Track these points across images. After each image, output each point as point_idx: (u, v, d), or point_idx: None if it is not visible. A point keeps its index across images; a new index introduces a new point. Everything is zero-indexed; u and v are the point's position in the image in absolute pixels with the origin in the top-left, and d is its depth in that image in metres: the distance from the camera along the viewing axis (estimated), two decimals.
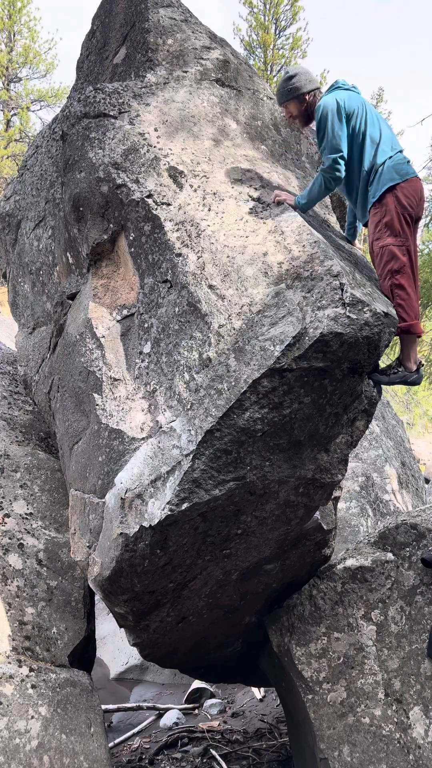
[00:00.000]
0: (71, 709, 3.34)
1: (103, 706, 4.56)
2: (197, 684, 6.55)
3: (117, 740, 5.62)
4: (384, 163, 3.15)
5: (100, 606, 6.13)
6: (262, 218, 3.11)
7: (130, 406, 3.18)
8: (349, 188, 3.33)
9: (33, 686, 3.28)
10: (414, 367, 3.15)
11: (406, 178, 3.14)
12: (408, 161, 3.21)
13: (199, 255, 3.04)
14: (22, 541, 3.79)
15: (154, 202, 3.25)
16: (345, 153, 3.07)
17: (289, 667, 3.58)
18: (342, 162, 3.06)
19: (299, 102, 3.33)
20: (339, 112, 3.11)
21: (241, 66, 4.18)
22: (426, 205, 9.35)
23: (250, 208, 3.18)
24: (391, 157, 3.17)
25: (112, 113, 3.62)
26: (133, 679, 7.34)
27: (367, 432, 5.25)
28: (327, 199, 3.90)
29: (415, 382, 3.15)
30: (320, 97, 3.27)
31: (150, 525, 2.83)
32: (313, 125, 3.30)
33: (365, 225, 3.44)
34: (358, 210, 3.39)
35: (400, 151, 3.22)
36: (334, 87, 3.32)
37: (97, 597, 3.57)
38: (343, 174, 3.08)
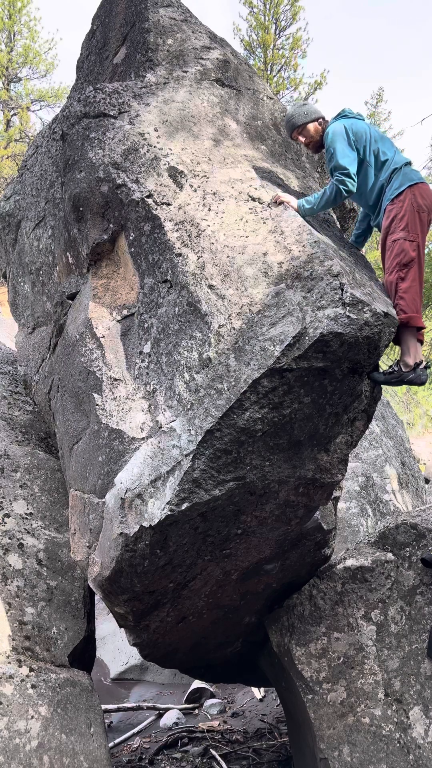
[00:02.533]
0: (71, 709, 3.34)
1: (103, 706, 4.56)
2: (197, 684, 6.55)
3: (117, 740, 5.62)
4: (406, 164, 3.33)
5: (100, 606, 6.13)
6: (262, 218, 3.11)
7: (130, 406, 3.18)
8: (366, 194, 3.43)
9: (33, 686, 3.28)
10: (412, 364, 3.12)
11: (423, 182, 3.30)
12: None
13: (199, 255, 3.04)
14: (22, 541, 3.79)
15: (154, 202, 3.25)
16: (352, 170, 3.18)
17: (289, 667, 3.58)
18: (350, 178, 3.16)
19: (302, 131, 3.51)
20: (346, 134, 3.27)
21: (241, 66, 4.18)
22: None
23: (250, 208, 3.18)
24: (409, 164, 3.35)
25: (112, 113, 3.62)
26: (133, 679, 7.34)
27: (367, 432, 5.25)
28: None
29: (414, 381, 3.10)
30: (327, 125, 3.44)
31: (150, 525, 2.83)
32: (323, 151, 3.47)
33: (377, 226, 3.53)
34: (371, 210, 3.50)
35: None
36: (341, 115, 3.47)
37: (97, 597, 3.57)
38: (352, 189, 3.18)
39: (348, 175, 3.14)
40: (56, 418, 4.13)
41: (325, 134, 3.36)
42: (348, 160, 3.19)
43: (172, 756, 5.07)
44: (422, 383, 3.22)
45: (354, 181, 3.16)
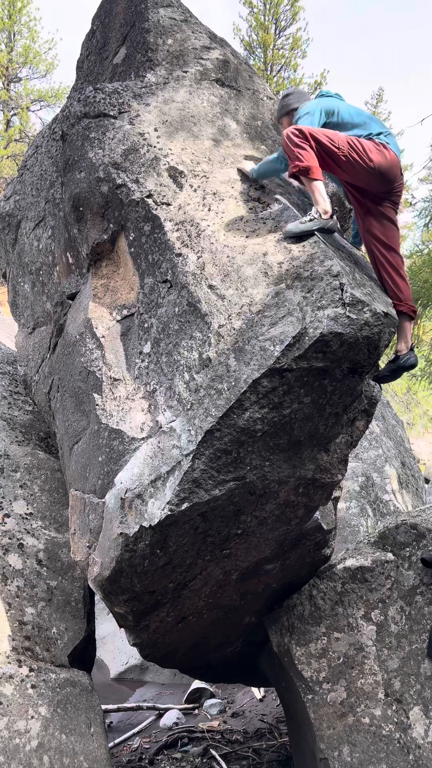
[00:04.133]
0: (71, 709, 3.34)
1: (103, 706, 4.56)
2: (197, 684, 6.55)
3: (117, 740, 5.62)
4: (381, 134, 3.26)
5: (100, 606, 6.13)
6: (262, 218, 3.11)
7: (130, 406, 3.18)
8: None
9: (33, 686, 3.28)
10: (330, 211, 3.02)
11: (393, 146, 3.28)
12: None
13: (199, 255, 3.04)
14: (22, 541, 3.79)
15: (154, 202, 3.26)
16: (315, 122, 3.17)
17: (289, 667, 3.58)
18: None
19: (290, 117, 3.46)
20: (316, 109, 3.24)
21: (241, 66, 4.18)
22: (426, 205, 9.35)
23: (250, 208, 3.18)
24: (385, 134, 3.27)
25: (112, 113, 3.62)
26: (133, 679, 7.34)
27: (367, 432, 5.25)
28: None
29: (334, 228, 3.00)
30: None
31: (150, 525, 2.83)
32: None
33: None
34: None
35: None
36: (318, 95, 3.47)
37: (97, 597, 3.56)
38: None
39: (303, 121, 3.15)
40: (56, 418, 4.13)
41: (297, 111, 3.33)
42: (309, 117, 3.18)
43: (172, 756, 5.07)
44: (413, 366, 3.23)
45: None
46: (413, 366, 3.35)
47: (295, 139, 3.03)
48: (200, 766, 4.79)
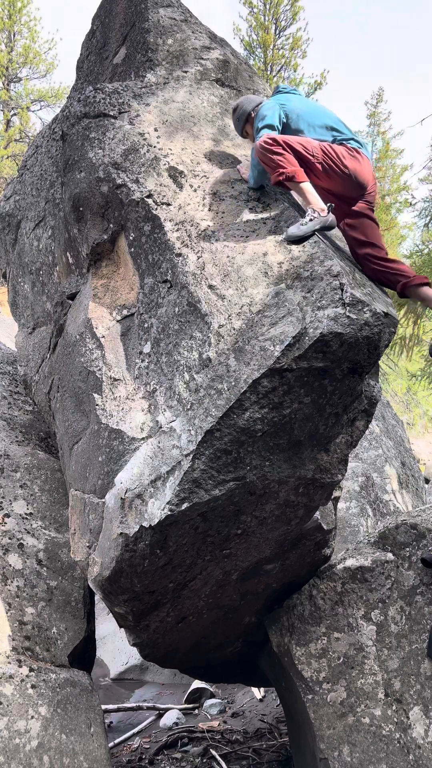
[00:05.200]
0: (71, 709, 3.34)
1: (103, 706, 4.56)
2: (197, 684, 6.55)
3: (117, 740, 5.62)
4: (352, 139, 3.26)
5: (100, 606, 6.13)
6: (262, 218, 3.11)
7: (130, 406, 3.18)
8: None
9: (33, 686, 3.28)
10: (325, 208, 2.98)
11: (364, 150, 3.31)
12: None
13: (199, 255, 3.04)
14: (22, 541, 3.79)
15: (154, 202, 3.26)
16: (270, 123, 3.17)
17: (289, 667, 3.58)
18: (266, 130, 3.15)
19: (251, 124, 3.43)
20: (275, 106, 3.24)
21: (241, 66, 4.18)
22: (426, 205, 9.35)
23: (250, 208, 3.18)
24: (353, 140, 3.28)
25: (112, 113, 3.62)
26: (133, 679, 7.34)
27: (367, 432, 5.25)
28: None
29: (333, 225, 2.96)
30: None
31: (150, 525, 2.83)
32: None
33: None
34: None
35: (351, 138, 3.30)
36: (275, 91, 3.46)
37: (97, 597, 3.56)
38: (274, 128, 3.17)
39: (270, 127, 3.14)
40: (56, 418, 4.13)
41: (256, 117, 3.31)
42: (268, 120, 3.17)
43: (172, 756, 5.07)
44: (333, 227, 3.11)
45: (273, 128, 3.15)
46: None
47: (271, 149, 3.02)
48: (200, 766, 4.79)
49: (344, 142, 3.21)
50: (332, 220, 2.93)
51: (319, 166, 3.10)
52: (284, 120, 3.24)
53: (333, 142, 3.21)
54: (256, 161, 3.17)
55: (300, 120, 3.24)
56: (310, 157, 3.07)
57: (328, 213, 2.93)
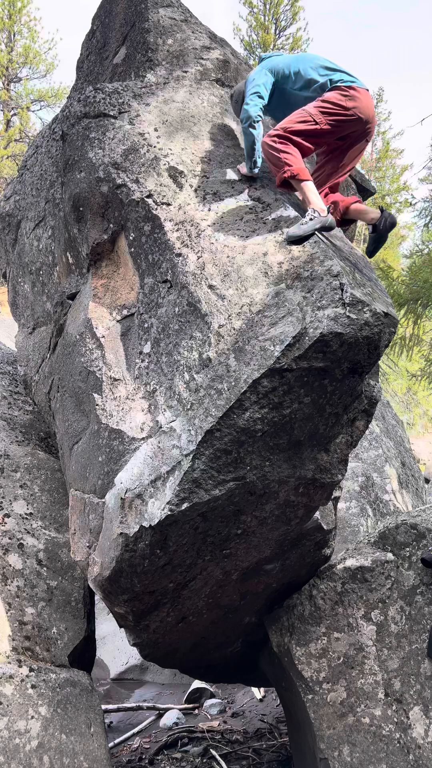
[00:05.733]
0: (71, 709, 3.34)
1: (103, 706, 4.56)
2: (197, 684, 6.55)
3: (117, 740, 5.61)
4: (342, 80, 3.27)
5: (100, 606, 6.13)
6: (262, 218, 3.11)
7: (130, 406, 3.18)
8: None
9: (33, 686, 3.28)
10: (325, 208, 3.02)
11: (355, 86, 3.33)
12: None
13: (199, 255, 3.04)
14: (22, 541, 3.79)
15: (154, 202, 3.26)
16: (260, 92, 3.24)
17: (289, 667, 3.58)
18: (256, 100, 3.23)
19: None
20: (260, 73, 3.31)
21: (241, 66, 4.18)
22: (426, 205, 9.35)
23: (250, 208, 3.18)
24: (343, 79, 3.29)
25: (112, 113, 3.62)
26: (133, 679, 7.33)
27: (367, 432, 5.25)
28: None
29: (333, 225, 2.98)
30: None
31: (150, 525, 2.83)
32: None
33: None
34: None
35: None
36: (259, 60, 3.51)
37: (97, 597, 3.56)
38: (257, 109, 3.23)
39: (253, 98, 3.21)
40: (56, 418, 4.13)
41: (246, 80, 3.40)
42: (254, 87, 3.23)
43: (172, 756, 5.07)
44: (394, 224, 3.28)
45: (259, 101, 3.23)
46: (394, 224, 3.38)
47: (277, 146, 3.06)
48: (200, 766, 4.79)
49: (337, 84, 3.19)
50: (332, 221, 2.94)
51: (327, 127, 3.11)
52: (274, 78, 3.29)
53: (324, 88, 3.21)
54: (248, 142, 3.21)
55: (292, 67, 3.31)
56: (315, 127, 3.09)
57: (328, 213, 2.95)
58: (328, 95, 3.15)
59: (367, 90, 3.23)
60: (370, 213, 3.43)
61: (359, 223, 3.88)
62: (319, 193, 3.22)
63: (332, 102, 3.13)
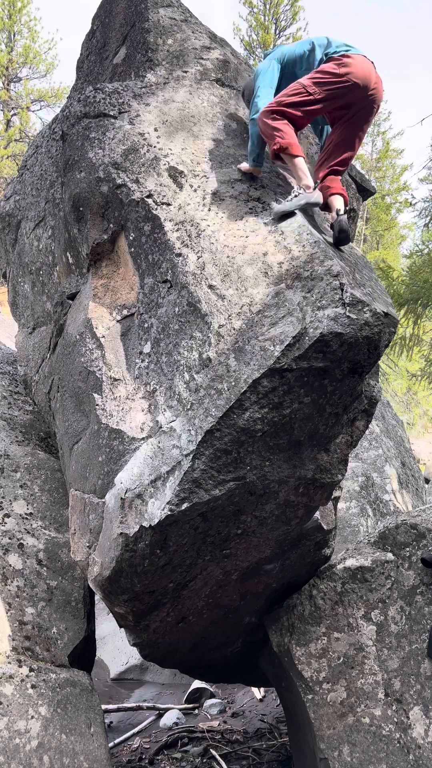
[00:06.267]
0: (71, 709, 3.34)
1: (103, 706, 4.56)
2: (197, 684, 6.55)
3: (117, 740, 5.62)
4: (334, 51, 3.29)
5: (100, 606, 6.13)
6: (262, 218, 3.11)
7: (130, 406, 3.18)
8: None
9: (33, 686, 3.28)
10: (312, 185, 3.05)
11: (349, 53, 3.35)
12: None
13: (199, 255, 3.04)
14: (22, 541, 3.79)
15: (154, 202, 3.26)
16: (271, 85, 3.32)
17: (289, 667, 3.58)
18: (266, 91, 3.31)
19: None
20: (267, 65, 3.37)
21: (241, 66, 4.18)
22: (426, 205, 9.35)
23: (250, 208, 3.18)
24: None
25: (112, 113, 3.62)
26: (133, 679, 7.33)
27: (367, 432, 5.25)
28: None
29: (319, 201, 3.01)
30: None
31: (150, 525, 2.83)
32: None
33: None
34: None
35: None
36: (264, 56, 3.58)
37: (97, 597, 3.56)
38: (261, 102, 3.28)
39: (262, 91, 3.29)
40: (56, 418, 4.13)
41: (255, 73, 3.46)
42: (261, 95, 3.28)
43: (172, 756, 5.07)
44: (318, 204, 3.16)
45: (269, 91, 3.30)
46: (343, 230, 3.15)
47: (270, 122, 3.10)
48: (200, 766, 4.79)
49: (331, 55, 3.21)
50: (317, 197, 2.99)
51: (321, 96, 3.12)
52: (280, 65, 3.36)
53: (321, 62, 3.25)
54: (254, 134, 3.25)
55: (297, 50, 3.38)
56: (310, 97, 3.11)
57: (314, 190, 3.01)
58: (322, 66, 3.19)
59: (364, 56, 3.20)
60: (330, 213, 3.34)
61: (358, 222, 3.87)
62: (324, 168, 3.29)
63: (325, 71, 3.14)
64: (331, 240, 3.06)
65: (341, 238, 3.02)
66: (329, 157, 3.33)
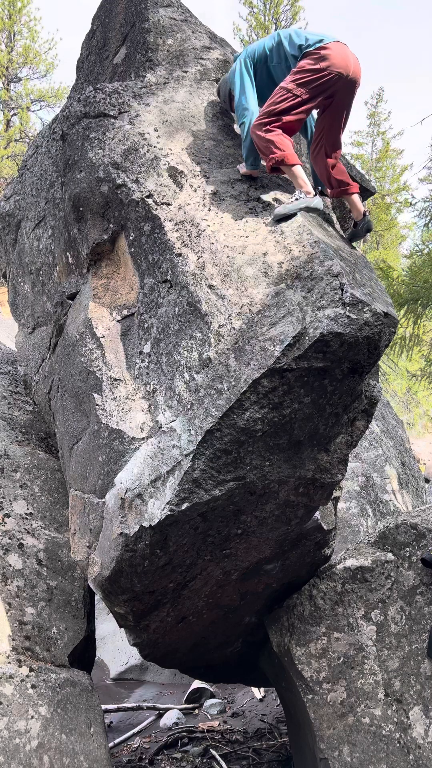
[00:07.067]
0: (71, 709, 3.35)
1: (103, 706, 4.56)
2: (197, 684, 6.55)
3: (117, 740, 5.61)
4: (309, 45, 3.26)
5: (100, 606, 6.13)
6: (262, 218, 3.11)
7: (130, 406, 3.18)
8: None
9: (33, 686, 3.28)
10: (312, 192, 3.09)
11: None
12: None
13: (199, 255, 3.04)
14: (22, 541, 3.79)
15: (154, 202, 3.26)
16: (251, 107, 3.29)
17: (289, 667, 3.58)
18: (251, 113, 3.30)
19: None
20: (244, 66, 3.37)
21: None
22: (426, 205, 9.35)
23: (250, 208, 3.18)
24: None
25: (112, 113, 3.62)
26: (133, 679, 7.33)
27: (367, 432, 5.25)
28: (327, 200, 3.91)
29: (318, 207, 3.05)
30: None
31: (150, 525, 2.83)
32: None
33: None
34: None
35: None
36: (235, 58, 3.56)
37: (97, 597, 3.57)
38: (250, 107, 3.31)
39: (250, 112, 3.27)
40: (56, 418, 4.13)
41: (229, 76, 3.47)
42: (247, 97, 3.29)
43: (172, 756, 5.07)
44: (370, 229, 3.40)
45: (252, 95, 3.32)
46: (370, 229, 3.50)
47: (263, 134, 3.10)
48: (200, 766, 4.79)
49: (305, 50, 3.19)
50: (318, 202, 3.02)
51: (308, 95, 3.12)
52: (252, 63, 3.37)
53: (296, 58, 3.23)
54: (248, 142, 3.26)
55: (266, 44, 3.37)
56: (295, 98, 3.12)
57: (315, 195, 3.04)
58: (300, 64, 3.16)
59: (338, 41, 3.18)
60: (356, 211, 3.50)
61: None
62: (321, 154, 3.35)
63: (305, 70, 3.13)
64: (345, 235, 3.26)
65: (363, 235, 3.30)
66: (324, 142, 3.37)
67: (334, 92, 3.19)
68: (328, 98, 3.22)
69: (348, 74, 3.13)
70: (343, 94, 3.21)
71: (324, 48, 3.12)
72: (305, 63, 3.14)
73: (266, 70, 3.39)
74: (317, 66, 3.10)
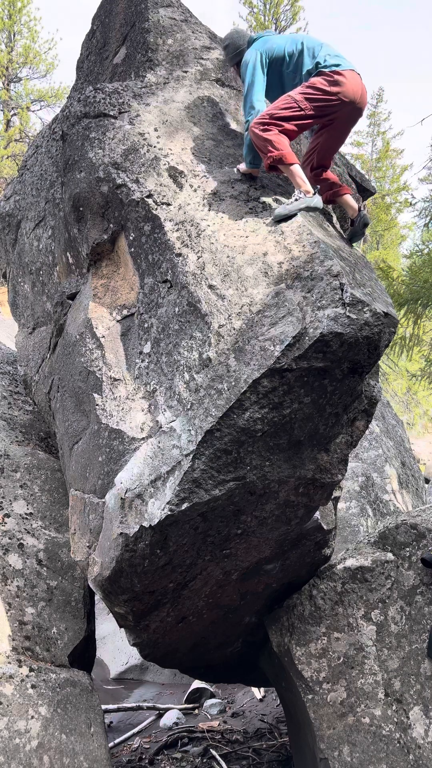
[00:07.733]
0: (71, 709, 3.34)
1: (103, 706, 4.56)
2: (197, 684, 6.55)
3: (117, 740, 5.61)
4: (327, 64, 3.28)
5: (100, 606, 6.13)
6: (262, 218, 3.11)
7: (130, 406, 3.18)
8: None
9: (33, 686, 3.29)
10: (312, 190, 3.10)
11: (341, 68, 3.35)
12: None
13: (199, 255, 3.04)
14: (22, 541, 3.79)
15: (154, 202, 3.26)
16: (258, 108, 3.27)
17: (289, 667, 3.58)
18: (258, 96, 3.31)
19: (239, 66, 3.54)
20: (260, 59, 3.33)
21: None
22: (426, 205, 9.35)
23: (250, 208, 3.18)
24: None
25: (112, 113, 3.62)
26: (133, 679, 7.33)
27: (367, 432, 5.25)
28: None
29: (318, 206, 3.08)
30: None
31: (150, 525, 2.83)
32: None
33: None
34: None
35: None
36: (250, 41, 3.50)
37: (97, 597, 3.56)
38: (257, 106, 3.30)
39: (255, 111, 3.26)
40: (56, 418, 4.13)
41: (242, 63, 3.41)
42: (257, 97, 3.28)
43: (172, 756, 5.07)
44: (367, 223, 3.45)
45: (261, 95, 3.30)
46: (367, 223, 3.53)
47: (262, 134, 3.11)
48: (200, 766, 4.79)
49: (322, 69, 3.21)
50: (317, 201, 3.05)
51: (312, 112, 3.16)
52: (269, 58, 3.33)
53: (311, 74, 3.24)
54: (248, 140, 3.27)
55: (287, 48, 3.34)
56: (300, 112, 3.15)
57: (315, 195, 3.06)
58: (313, 80, 3.19)
59: (353, 70, 3.23)
60: (351, 210, 3.55)
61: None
62: (313, 165, 3.40)
63: (317, 88, 3.16)
64: (345, 235, 3.27)
65: (363, 232, 3.31)
66: (314, 157, 3.45)
67: (337, 117, 3.26)
68: (330, 120, 3.28)
69: (356, 104, 3.22)
70: (345, 120, 3.30)
71: (339, 74, 3.17)
72: (318, 81, 3.17)
73: (278, 73, 3.39)
74: (329, 89, 3.15)
